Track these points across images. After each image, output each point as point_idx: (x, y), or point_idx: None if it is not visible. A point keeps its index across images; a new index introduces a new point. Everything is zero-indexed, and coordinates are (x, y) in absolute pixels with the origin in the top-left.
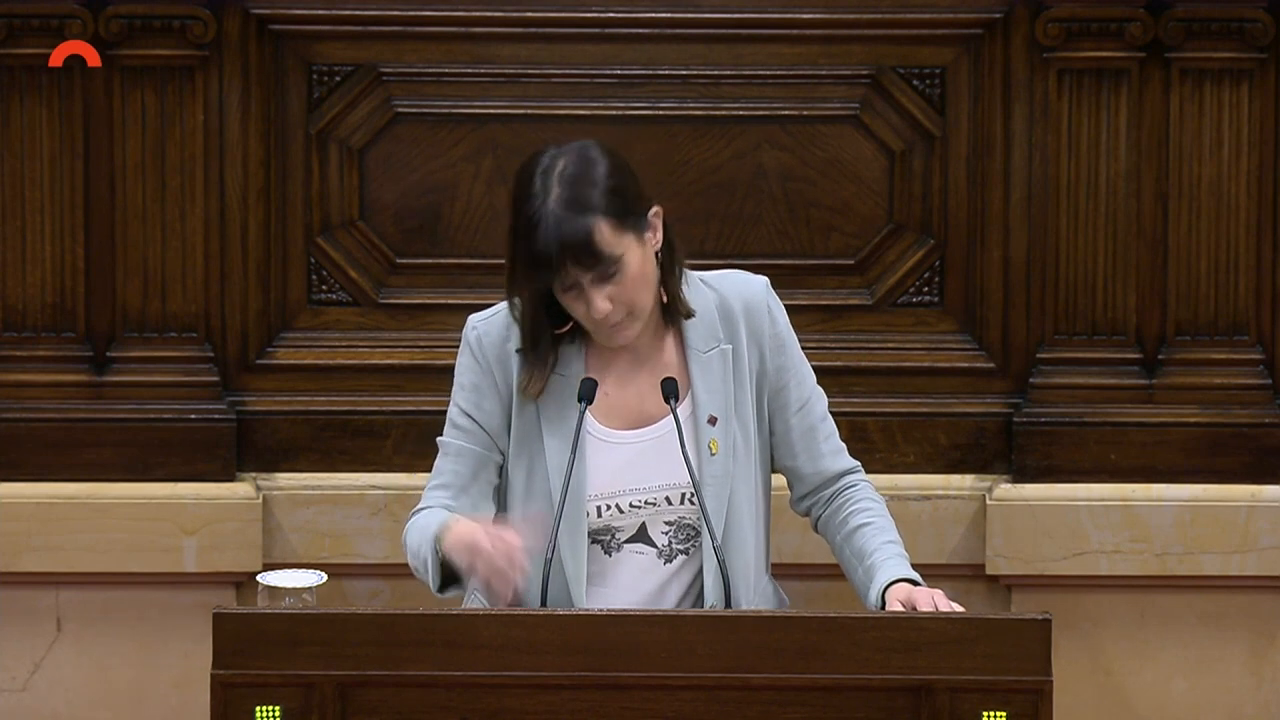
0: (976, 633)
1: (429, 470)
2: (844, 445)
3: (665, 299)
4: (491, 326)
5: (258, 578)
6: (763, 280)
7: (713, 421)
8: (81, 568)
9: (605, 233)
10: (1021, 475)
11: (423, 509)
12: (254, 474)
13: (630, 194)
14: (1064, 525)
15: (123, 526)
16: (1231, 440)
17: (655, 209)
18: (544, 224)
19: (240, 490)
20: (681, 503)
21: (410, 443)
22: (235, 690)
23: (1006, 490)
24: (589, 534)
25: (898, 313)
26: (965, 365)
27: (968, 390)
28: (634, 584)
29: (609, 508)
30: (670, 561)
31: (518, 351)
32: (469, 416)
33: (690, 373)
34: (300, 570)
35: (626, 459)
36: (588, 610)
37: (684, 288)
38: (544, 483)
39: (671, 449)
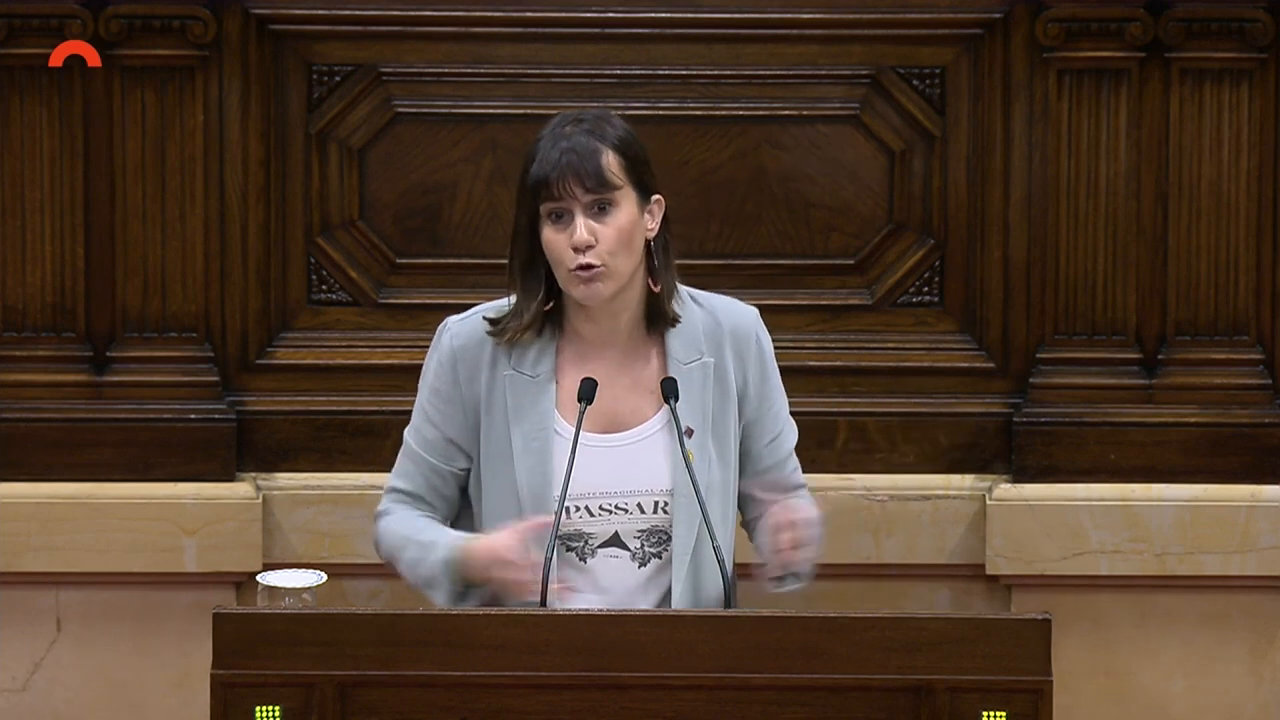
0: (976, 633)
1: None
2: (803, 478)
3: (655, 289)
4: (464, 328)
5: (258, 578)
6: (754, 310)
7: (689, 434)
8: (81, 568)
9: (611, 161)
10: (1021, 475)
11: (389, 513)
12: (254, 474)
13: (642, 156)
14: (1064, 525)
15: (123, 526)
16: (1231, 440)
17: (658, 198)
18: (556, 143)
19: (240, 490)
20: (655, 511)
21: None
22: (235, 690)
23: (1006, 490)
24: (560, 538)
25: (898, 313)
26: (965, 365)
27: (968, 390)
28: (609, 586)
29: (578, 509)
30: (644, 565)
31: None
32: (432, 424)
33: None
34: (300, 570)
35: (599, 462)
36: (588, 610)
37: (674, 300)
38: (510, 484)
39: (644, 456)
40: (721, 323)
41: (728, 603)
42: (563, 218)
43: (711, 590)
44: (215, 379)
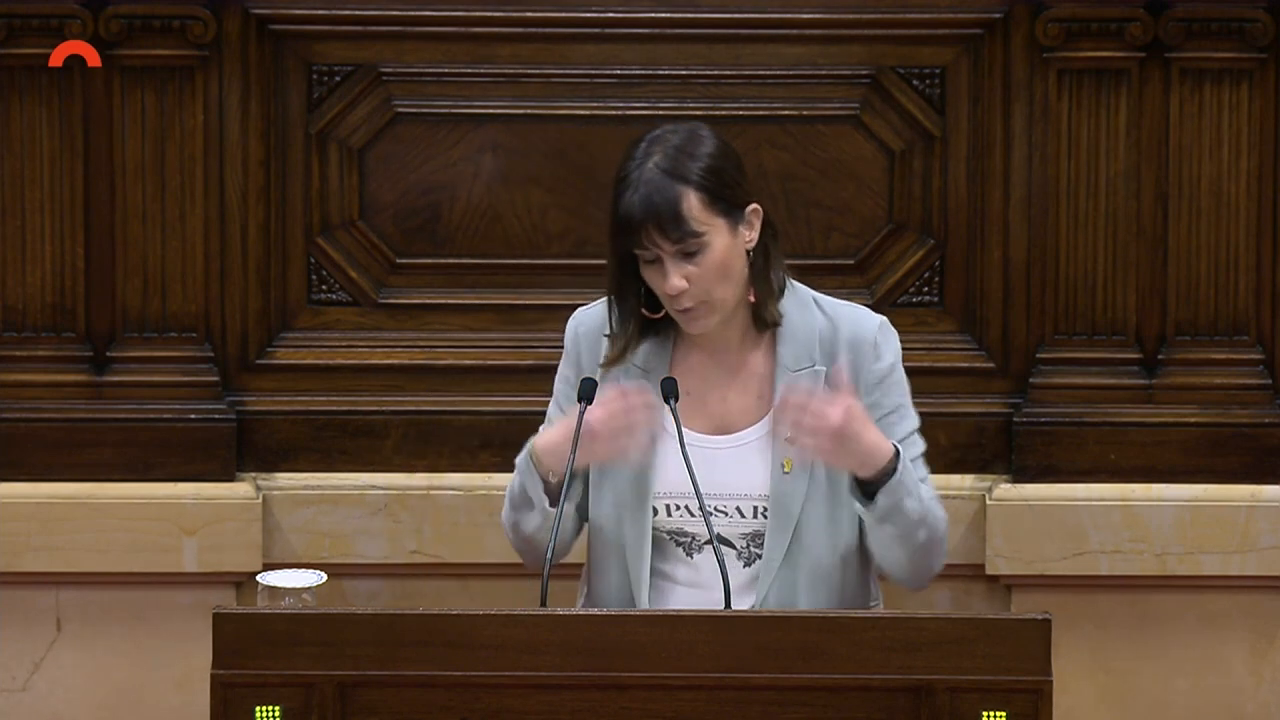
0: (976, 633)
1: (429, 470)
2: (935, 494)
3: (754, 301)
4: (588, 317)
5: (258, 578)
6: (879, 320)
7: (792, 441)
8: (81, 568)
9: (693, 205)
10: (1021, 475)
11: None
12: (254, 474)
13: (729, 180)
14: (1064, 525)
15: (123, 526)
16: (1231, 440)
17: (754, 206)
18: (635, 185)
19: (240, 490)
20: (755, 516)
21: (410, 443)
22: (235, 690)
23: (1006, 490)
24: (667, 534)
25: (898, 313)
26: (965, 365)
27: (968, 390)
28: (715, 582)
29: (678, 508)
30: (749, 565)
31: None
32: (560, 408)
33: (775, 388)
34: (300, 570)
35: (702, 463)
36: (587, 610)
37: (784, 299)
38: (615, 476)
39: (746, 461)
40: (840, 331)
41: (727, 603)
42: (654, 261)
43: (808, 602)
44: (215, 379)
